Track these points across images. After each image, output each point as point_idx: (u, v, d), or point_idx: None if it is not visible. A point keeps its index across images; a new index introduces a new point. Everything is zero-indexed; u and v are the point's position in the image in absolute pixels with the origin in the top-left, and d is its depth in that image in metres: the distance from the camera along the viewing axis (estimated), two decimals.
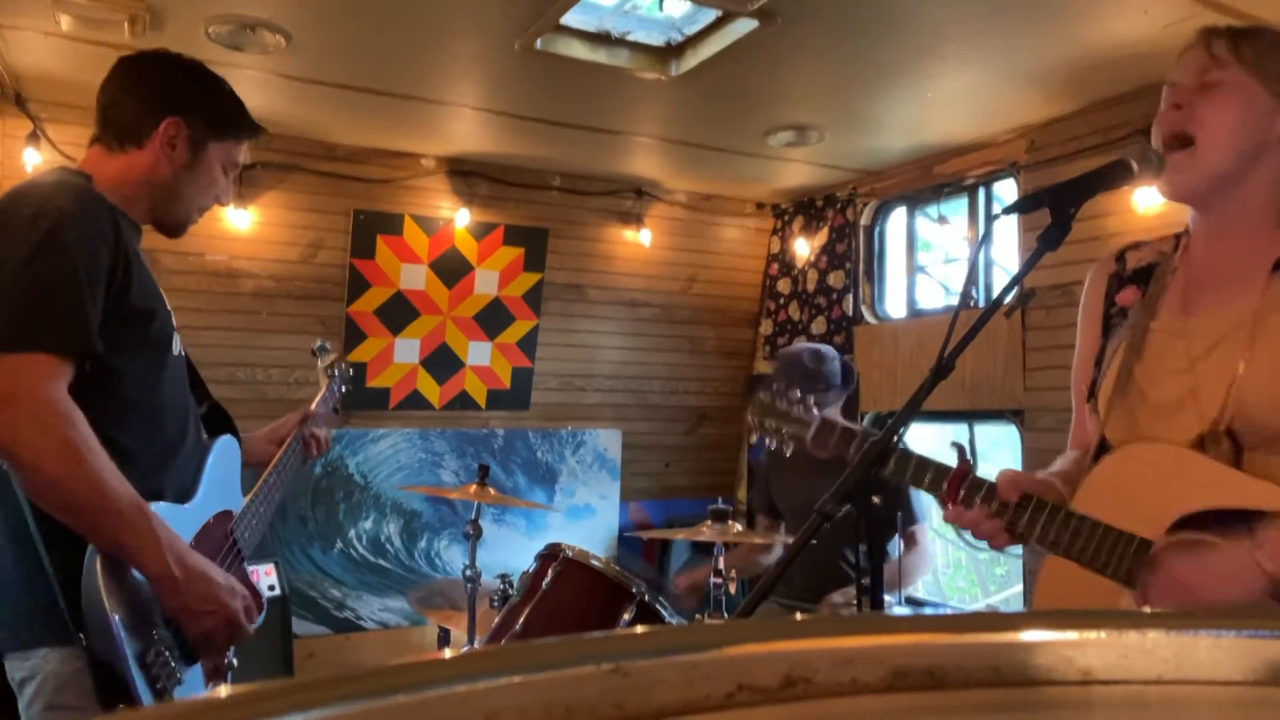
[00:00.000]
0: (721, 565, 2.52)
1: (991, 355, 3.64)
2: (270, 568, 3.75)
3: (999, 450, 4.64)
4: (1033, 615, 0.43)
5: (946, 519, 1.43)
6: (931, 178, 4.05)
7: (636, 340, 4.80)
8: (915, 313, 4.34)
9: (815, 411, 1.75)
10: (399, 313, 4.19)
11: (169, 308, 1.66)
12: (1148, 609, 0.43)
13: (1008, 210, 1.31)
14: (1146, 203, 3.10)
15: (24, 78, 3.24)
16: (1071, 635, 0.36)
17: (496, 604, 2.63)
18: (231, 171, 1.76)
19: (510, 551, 4.28)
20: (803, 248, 4.70)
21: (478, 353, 4.41)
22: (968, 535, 1.41)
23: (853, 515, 1.17)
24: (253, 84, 3.10)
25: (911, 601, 3.35)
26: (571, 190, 4.44)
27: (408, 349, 4.26)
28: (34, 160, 3.36)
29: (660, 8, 2.99)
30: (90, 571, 1.41)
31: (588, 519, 4.78)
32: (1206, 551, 1.23)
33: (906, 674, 0.36)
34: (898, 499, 3.01)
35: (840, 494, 1.18)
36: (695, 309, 4.89)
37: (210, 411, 1.84)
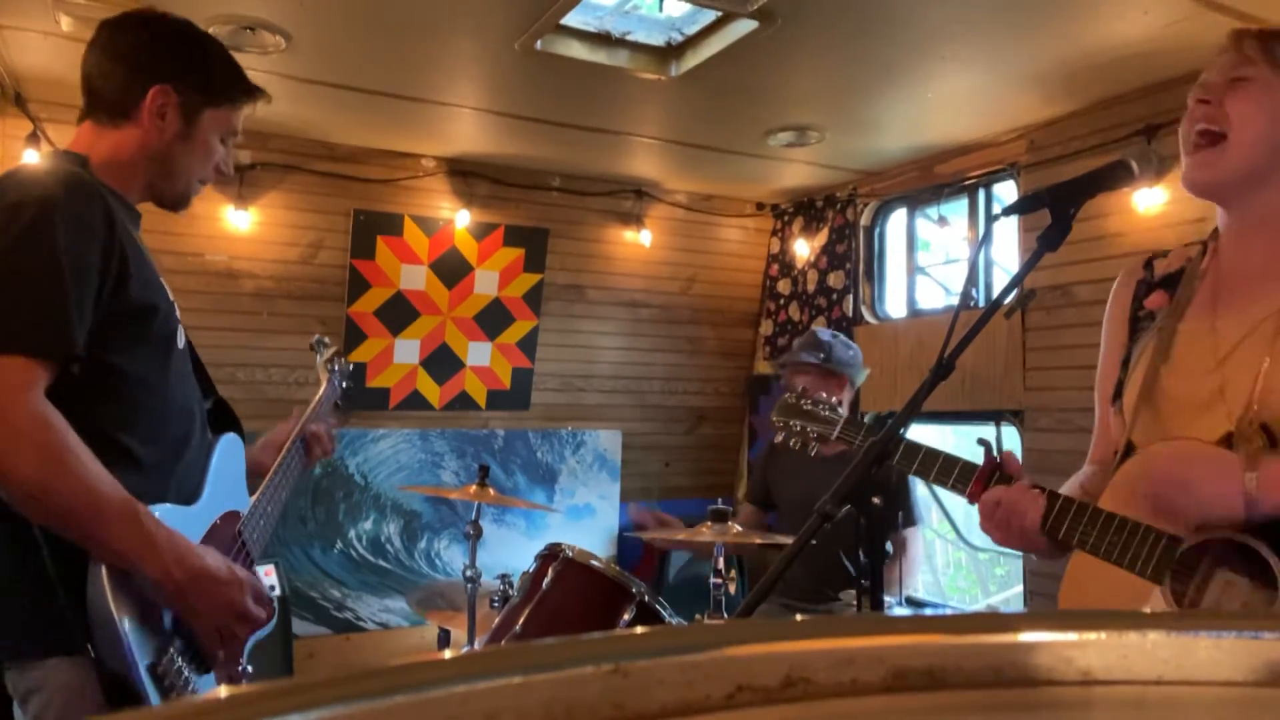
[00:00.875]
0: (721, 565, 2.52)
1: (991, 355, 3.64)
2: (270, 568, 3.74)
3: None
4: (1033, 615, 0.43)
5: (982, 505, 1.41)
6: (931, 178, 4.05)
7: (636, 341, 4.80)
8: (915, 313, 4.34)
9: (840, 411, 1.79)
10: (399, 313, 4.19)
11: (171, 299, 1.56)
12: (1163, 609, 0.43)
13: (1008, 211, 1.32)
14: (1147, 203, 3.10)
15: (24, 78, 3.24)
16: (1071, 636, 0.36)
17: (496, 604, 2.63)
18: (230, 139, 1.64)
19: (510, 552, 4.29)
20: (803, 248, 4.70)
21: (478, 353, 4.42)
22: (983, 537, 1.42)
23: (853, 515, 1.17)
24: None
25: (912, 602, 3.36)
26: (571, 190, 4.45)
27: (408, 349, 4.26)
28: (34, 161, 3.36)
29: (660, 8, 2.99)
30: (95, 577, 1.34)
31: (588, 519, 4.78)
32: (1197, 452, 1.24)
33: (906, 674, 0.36)
34: (898, 500, 3.03)
35: (840, 494, 1.18)
36: (695, 309, 4.89)
37: (214, 407, 1.76)
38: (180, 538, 1.43)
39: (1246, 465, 1.18)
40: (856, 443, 1.72)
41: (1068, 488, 1.48)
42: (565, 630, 2.07)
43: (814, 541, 1.16)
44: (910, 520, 3.05)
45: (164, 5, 2.63)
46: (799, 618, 0.39)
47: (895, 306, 4.44)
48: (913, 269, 4.40)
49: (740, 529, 2.50)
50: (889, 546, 2.92)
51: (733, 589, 2.53)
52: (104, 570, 1.34)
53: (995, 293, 3.91)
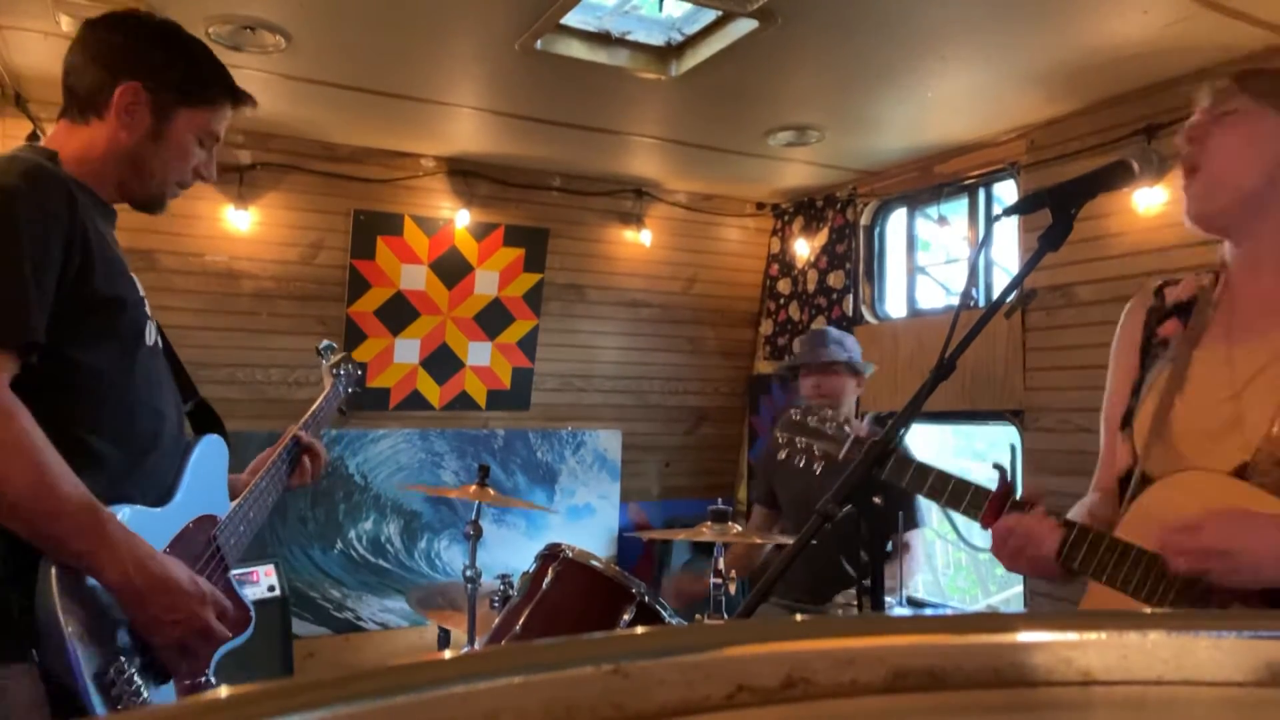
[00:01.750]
0: (721, 566, 2.52)
1: (991, 355, 3.64)
2: (270, 568, 3.74)
3: (999, 450, 4.64)
4: (1033, 616, 0.43)
5: (996, 532, 1.38)
6: (931, 178, 4.05)
7: (636, 340, 4.80)
8: (915, 313, 4.34)
9: (848, 428, 1.73)
10: (399, 313, 4.19)
11: (141, 294, 1.52)
12: (1149, 610, 0.43)
13: (1008, 211, 1.32)
14: (1147, 203, 3.10)
15: (24, 78, 3.24)
16: (1071, 636, 0.36)
17: (496, 604, 2.63)
18: (210, 143, 1.59)
19: (510, 552, 4.29)
20: (803, 248, 4.70)
21: (478, 353, 4.42)
22: (983, 537, 1.40)
23: (853, 515, 1.17)
24: (253, 84, 3.05)
25: (912, 602, 3.36)
26: (571, 190, 4.45)
27: (408, 349, 4.26)
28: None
29: (660, 8, 2.98)
30: (44, 580, 1.27)
31: (588, 519, 4.79)
32: (1239, 521, 1.21)
33: (906, 674, 0.36)
34: (901, 501, 3.02)
35: (841, 495, 1.18)
36: (695, 309, 4.89)
37: (197, 409, 1.71)
38: (142, 542, 1.36)
39: None
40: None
41: (1075, 515, 1.46)
42: (565, 630, 2.07)
43: (814, 541, 1.16)
44: (912, 522, 3.04)
45: (165, 5, 2.64)
46: (799, 618, 0.39)
47: (895, 306, 4.44)
48: (913, 269, 4.40)
49: (740, 529, 2.50)
50: (889, 546, 2.92)
51: (733, 589, 2.53)
52: (54, 571, 1.29)
53: (995, 293, 3.91)
